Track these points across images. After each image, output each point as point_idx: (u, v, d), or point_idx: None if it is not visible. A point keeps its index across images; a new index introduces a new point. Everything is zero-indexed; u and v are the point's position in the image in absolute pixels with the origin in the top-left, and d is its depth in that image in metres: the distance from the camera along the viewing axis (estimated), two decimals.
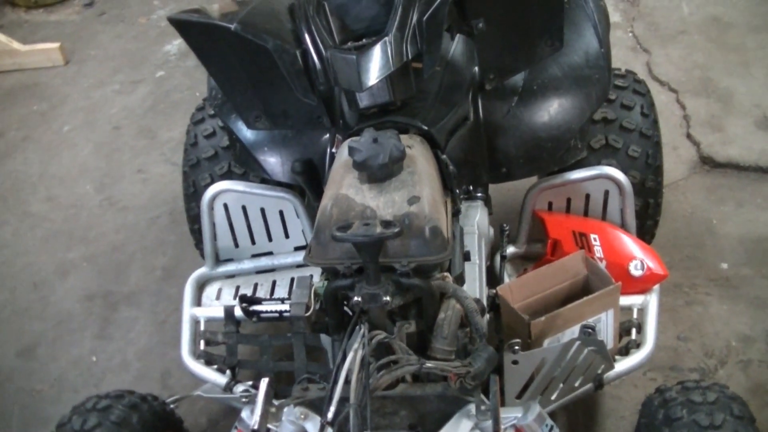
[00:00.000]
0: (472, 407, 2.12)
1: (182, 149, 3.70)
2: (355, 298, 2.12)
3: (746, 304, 3.70)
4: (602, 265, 2.94)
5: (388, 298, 2.11)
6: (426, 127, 2.65)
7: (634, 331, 2.96)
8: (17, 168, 5.39)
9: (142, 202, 4.90)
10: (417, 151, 2.48)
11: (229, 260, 3.48)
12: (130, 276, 4.40)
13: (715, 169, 4.48)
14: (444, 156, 2.63)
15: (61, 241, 4.72)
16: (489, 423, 2.07)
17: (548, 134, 3.07)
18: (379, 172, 2.29)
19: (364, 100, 2.63)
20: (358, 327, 2.12)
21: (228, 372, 3.04)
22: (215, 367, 3.07)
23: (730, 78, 5.11)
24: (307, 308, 2.23)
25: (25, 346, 4.08)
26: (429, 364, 2.08)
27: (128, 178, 5.12)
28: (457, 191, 2.73)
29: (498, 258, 3.23)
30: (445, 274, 2.30)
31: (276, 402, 2.22)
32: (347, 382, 1.98)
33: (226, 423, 3.47)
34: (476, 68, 2.99)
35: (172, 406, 2.84)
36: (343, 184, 2.34)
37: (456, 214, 2.70)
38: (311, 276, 2.33)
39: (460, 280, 2.46)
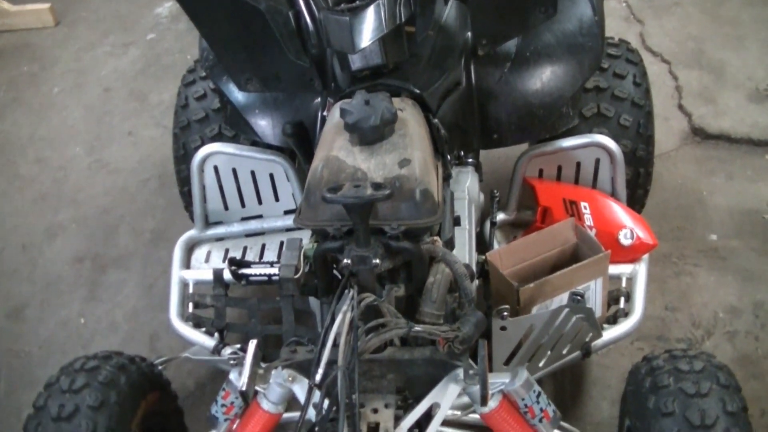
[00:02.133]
0: (460, 372, 2.12)
1: (172, 112, 3.69)
2: (345, 261, 2.11)
3: (734, 276, 3.72)
4: (592, 233, 2.94)
5: (377, 261, 2.09)
6: (418, 91, 2.64)
7: (622, 299, 2.97)
8: (6, 129, 5.36)
9: (132, 164, 4.89)
10: (409, 114, 2.46)
11: (219, 223, 3.48)
12: (119, 239, 4.40)
13: (706, 141, 4.49)
14: (435, 120, 2.62)
15: (50, 204, 4.70)
16: (477, 388, 2.07)
17: (540, 101, 3.06)
18: (370, 135, 2.28)
19: (356, 63, 2.62)
20: (346, 290, 2.11)
21: (216, 335, 3.05)
22: (203, 329, 3.08)
23: (723, 50, 5.11)
24: (297, 270, 2.21)
25: (14, 307, 4.08)
26: (417, 328, 2.08)
27: (118, 141, 5.10)
28: (449, 156, 2.72)
29: (488, 224, 3.23)
30: (435, 238, 2.28)
31: (264, 364, 2.22)
32: (335, 345, 1.97)
33: (213, 386, 3.48)
34: (469, 33, 2.97)
35: (160, 367, 2.84)
36: (334, 146, 2.33)
37: (447, 178, 2.69)
38: (301, 239, 2.32)
39: (449, 244, 2.45)
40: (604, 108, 3.25)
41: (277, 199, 3.42)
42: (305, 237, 2.43)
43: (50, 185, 4.84)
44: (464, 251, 2.77)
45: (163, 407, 2.74)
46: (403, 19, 2.52)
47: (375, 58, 2.60)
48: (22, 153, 5.11)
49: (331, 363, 1.97)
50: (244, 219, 3.48)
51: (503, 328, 2.48)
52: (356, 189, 2.06)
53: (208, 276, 3.15)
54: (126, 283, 4.13)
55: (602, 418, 3.21)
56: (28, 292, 4.16)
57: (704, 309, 3.58)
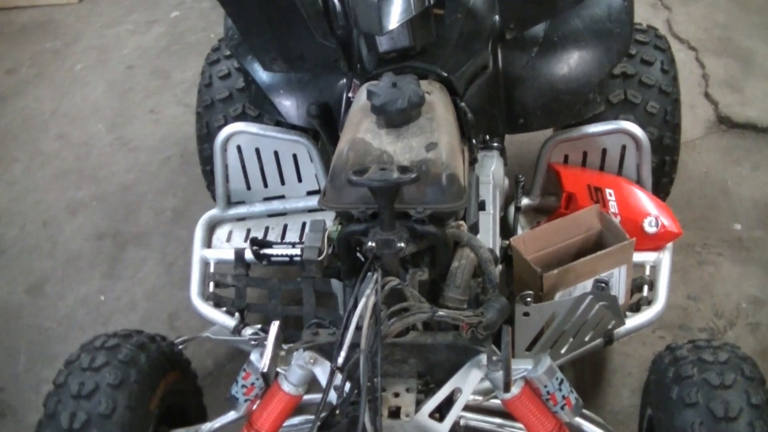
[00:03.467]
0: (482, 357, 2.11)
1: (195, 91, 3.68)
2: (369, 244, 2.10)
3: (758, 267, 3.69)
4: (617, 220, 2.92)
5: (402, 245, 2.09)
6: (446, 74, 2.62)
7: (645, 288, 2.95)
8: (29, 105, 5.37)
9: (154, 142, 4.89)
10: (436, 98, 2.45)
11: (241, 203, 3.47)
12: (139, 216, 4.40)
13: (732, 130, 4.45)
14: (463, 104, 2.60)
15: (72, 180, 4.71)
16: (499, 374, 2.06)
17: (567, 87, 3.03)
18: (397, 117, 2.27)
19: (383, 44, 2.61)
20: (370, 273, 2.10)
21: (237, 315, 3.04)
22: (224, 309, 3.08)
23: (750, 39, 5.06)
24: (320, 252, 2.21)
25: (34, 283, 4.09)
26: (441, 313, 2.06)
27: (140, 119, 5.10)
28: (474, 140, 2.70)
29: (512, 209, 3.23)
30: (460, 222, 2.27)
31: (285, 346, 2.22)
32: (358, 328, 1.97)
33: (232, 366, 3.49)
34: (497, 17, 2.95)
35: (180, 347, 2.84)
36: (360, 128, 2.32)
37: (473, 162, 2.68)
38: (324, 220, 2.31)
39: (474, 229, 2.44)
40: (631, 94, 3.23)
41: (299, 179, 3.41)
42: (327, 218, 2.42)
43: (72, 162, 4.84)
44: (488, 236, 2.76)
45: (182, 386, 2.74)
46: (432, 2, 2.51)
47: (402, 40, 2.59)
48: (45, 129, 5.12)
49: (354, 346, 1.96)
50: (267, 199, 3.47)
51: (526, 314, 2.46)
52: (382, 172, 2.05)
53: (230, 255, 3.15)
54: (146, 261, 4.13)
55: (622, 406, 3.19)
56: (49, 268, 4.17)
57: (727, 299, 3.55)
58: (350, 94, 2.88)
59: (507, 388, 2.07)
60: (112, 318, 3.85)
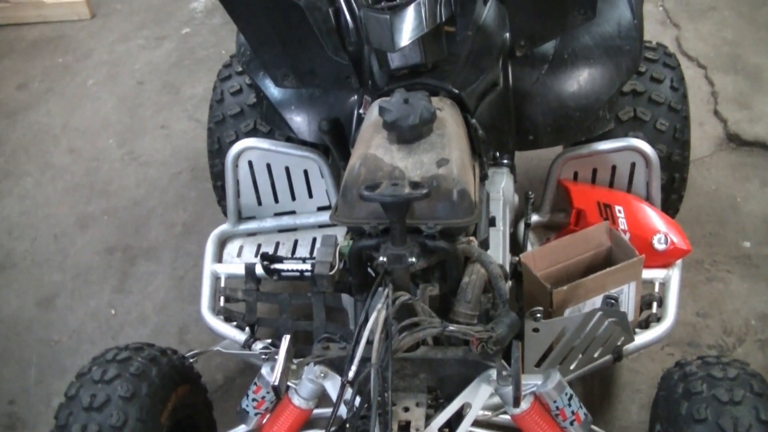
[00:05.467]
0: (492, 372, 2.12)
1: (205, 106, 3.71)
2: (380, 259, 2.11)
3: (767, 284, 3.68)
4: (626, 237, 2.93)
5: (413, 260, 2.10)
6: (456, 90, 2.64)
7: (654, 304, 2.95)
8: (40, 120, 5.39)
9: (164, 157, 4.90)
10: (447, 114, 2.46)
11: (252, 218, 3.48)
12: (149, 231, 4.41)
13: (741, 147, 4.44)
14: (473, 120, 2.62)
15: (82, 194, 4.72)
16: (509, 389, 2.07)
17: (577, 104, 3.05)
18: (408, 133, 2.28)
19: (395, 61, 2.62)
20: (381, 288, 2.12)
21: (247, 329, 3.06)
22: (234, 323, 3.09)
23: (759, 56, 5.06)
24: (331, 267, 2.22)
25: (44, 296, 4.10)
26: (451, 328, 2.07)
27: (150, 134, 5.12)
28: (485, 157, 2.71)
29: (522, 225, 3.23)
30: (471, 238, 2.28)
31: (296, 360, 2.23)
32: (369, 342, 1.98)
33: (242, 380, 3.49)
34: (507, 34, 2.96)
35: (191, 360, 2.85)
36: (372, 144, 2.33)
37: (483, 179, 2.69)
38: (335, 235, 2.32)
39: (484, 245, 2.45)
40: (640, 112, 3.24)
41: (310, 195, 3.42)
42: (338, 233, 2.43)
43: (82, 176, 4.86)
44: (498, 252, 2.77)
45: (193, 400, 2.75)
46: (443, 19, 2.53)
47: (414, 57, 2.60)
48: (56, 143, 5.14)
49: (364, 360, 1.98)
50: (277, 214, 3.48)
51: (536, 330, 2.47)
52: (394, 187, 2.07)
53: (240, 270, 3.16)
54: (156, 275, 4.14)
55: (631, 422, 3.19)
56: (59, 281, 4.18)
57: (736, 316, 3.55)
58: (361, 110, 2.90)
59: (516, 403, 2.07)
60: (123, 331, 3.86)
